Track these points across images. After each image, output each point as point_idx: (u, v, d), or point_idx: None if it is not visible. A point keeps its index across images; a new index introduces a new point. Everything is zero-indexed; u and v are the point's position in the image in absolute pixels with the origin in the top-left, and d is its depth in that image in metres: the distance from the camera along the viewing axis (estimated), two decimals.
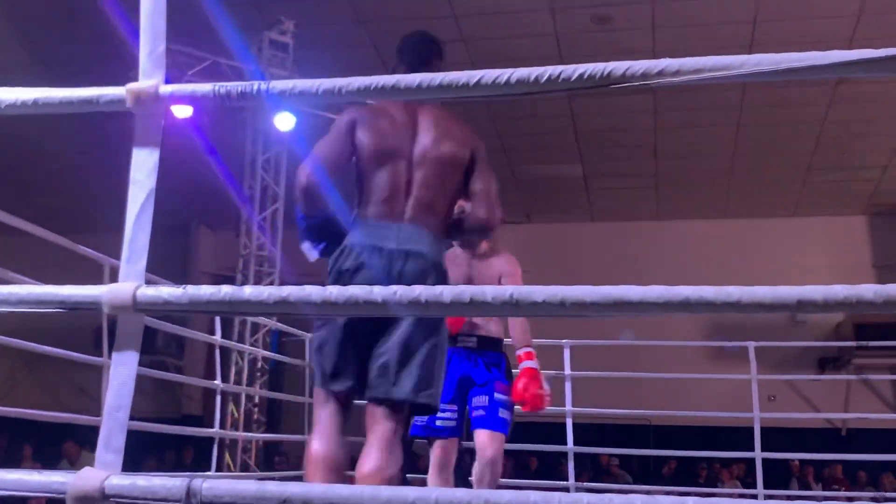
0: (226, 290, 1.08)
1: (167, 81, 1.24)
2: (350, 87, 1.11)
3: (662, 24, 8.10)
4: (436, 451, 3.63)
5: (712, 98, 9.36)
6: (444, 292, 1.03)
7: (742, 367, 6.19)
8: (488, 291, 1.04)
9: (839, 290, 0.90)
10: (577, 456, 5.64)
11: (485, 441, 3.60)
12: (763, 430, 5.46)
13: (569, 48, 8.56)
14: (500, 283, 3.74)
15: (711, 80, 0.94)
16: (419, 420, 3.57)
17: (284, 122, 7.97)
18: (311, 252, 2.54)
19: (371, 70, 6.59)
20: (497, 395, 3.69)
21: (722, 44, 8.26)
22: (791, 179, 11.29)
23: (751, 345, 5.35)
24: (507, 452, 3.80)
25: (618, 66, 0.96)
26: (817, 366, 11.30)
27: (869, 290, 0.89)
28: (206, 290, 1.09)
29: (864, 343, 9.22)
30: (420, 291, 1.04)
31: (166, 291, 1.10)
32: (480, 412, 3.66)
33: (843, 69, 0.94)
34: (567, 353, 5.67)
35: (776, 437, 7.40)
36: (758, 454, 5.27)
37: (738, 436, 6.63)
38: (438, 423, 3.63)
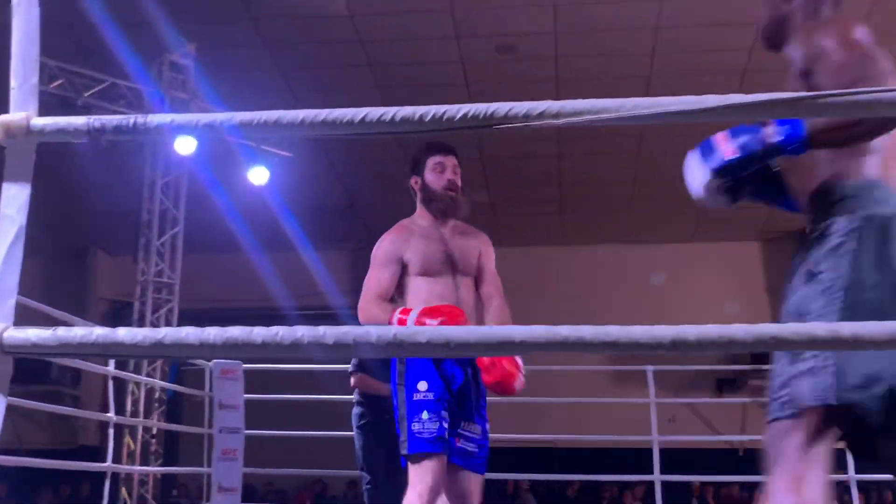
0: (98, 333, 1.04)
1: (63, 103, 1.19)
2: (231, 121, 1.09)
3: (565, 54, 8.28)
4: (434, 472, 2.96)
5: (615, 127, 9.57)
6: (327, 333, 1.01)
7: (644, 390, 6.31)
8: (373, 332, 1.02)
9: (713, 330, 0.92)
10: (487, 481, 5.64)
11: (473, 489, 3.10)
12: (664, 451, 5.56)
13: (475, 76, 8.67)
14: (479, 260, 3.36)
15: (589, 122, 0.96)
16: (426, 431, 2.97)
17: (185, 145, 7.82)
18: None
19: (274, 94, 6.51)
20: (488, 426, 3.18)
21: (622, 74, 8.49)
22: (689, 206, 11.58)
23: (649, 369, 5.46)
24: None
25: (500, 107, 0.96)
26: (716, 388, 11.62)
27: (740, 330, 0.91)
28: (76, 332, 1.05)
29: (758, 366, 9.50)
30: (302, 332, 1.02)
31: (34, 333, 1.05)
32: (471, 447, 3.10)
33: (716, 114, 0.96)
34: None
35: (677, 458, 7.57)
36: (657, 476, 5.37)
37: (641, 457, 6.75)
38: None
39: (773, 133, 1.78)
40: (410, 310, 3.05)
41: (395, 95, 8.83)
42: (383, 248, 3.22)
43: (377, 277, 3.17)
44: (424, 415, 2.99)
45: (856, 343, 0.91)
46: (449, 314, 2.99)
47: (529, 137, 9.83)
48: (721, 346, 0.93)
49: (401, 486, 3.36)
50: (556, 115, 0.95)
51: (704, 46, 8.05)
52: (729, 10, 7.51)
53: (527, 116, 0.96)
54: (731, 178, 1.99)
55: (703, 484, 9.92)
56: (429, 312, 3.00)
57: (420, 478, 2.95)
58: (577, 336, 0.91)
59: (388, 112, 0.99)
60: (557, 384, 9.62)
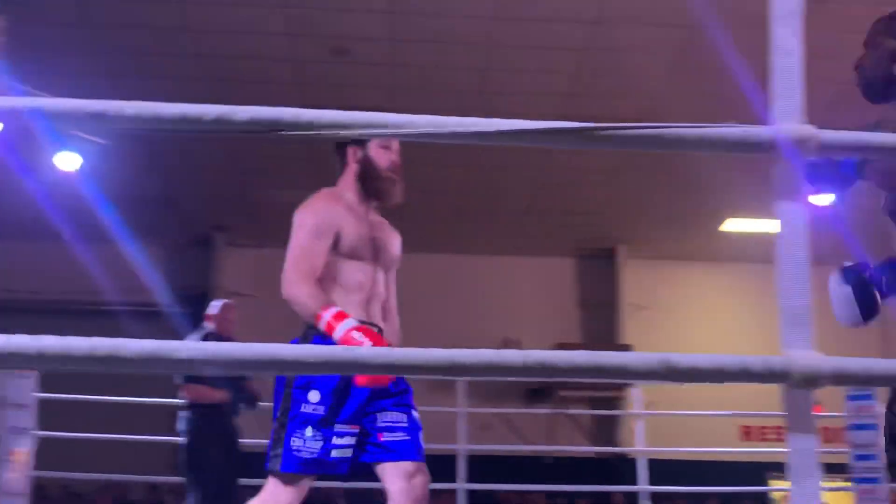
0: None
1: None
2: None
3: (401, 63, 8.30)
4: (296, 495, 2.65)
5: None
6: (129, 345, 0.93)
7: (459, 399, 6.38)
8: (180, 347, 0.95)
9: (488, 355, 0.91)
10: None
11: (410, 472, 2.66)
12: (475, 458, 5.64)
13: (306, 76, 8.55)
14: (395, 257, 3.05)
15: (376, 135, 0.93)
16: (306, 450, 2.61)
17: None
18: None
19: (91, 76, 6.15)
20: (415, 413, 2.80)
21: (455, 88, 8.61)
22: (510, 220, 11.94)
23: (461, 378, 5.54)
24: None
25: (285, 113, 0.92)
26: (526, 397, 11.96)
27: (518, 356, 0.91)
28: None
29: (566, 378, 9.84)
30: (94, 344, 0.94)
31: None
32: (399, 435, 2.71)
33: (501, 138, 0.96)
34: None
35: (487, 466, 7.73)
36: (460, 485, 5.44)
37: (449, 465, 6.83)
38: (335, 453, 2.64)
39: None
40: (345, 314, 2.65)
41: (221, 88, 8.56)
42: (321, 214, 2.82)
43: (311, 249, 2.76)
44: (308, 431, 2.62)
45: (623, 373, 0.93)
46: (376, 342, 2.61)
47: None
48: (498, 370, 0.92)
49: (230, 497, 3.20)
50: (344, 126, 0.92)
51: (533, 66, 8.28)
52: (559, 36, 7.78)
53: (311, 125, 0.92)
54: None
55: (509, 492, 10.17)
56: (362, 330, 2.63)
57: (275, 497, 2.61)
58: (352, 357, 0.88)
59: (167, 108, 0.93)
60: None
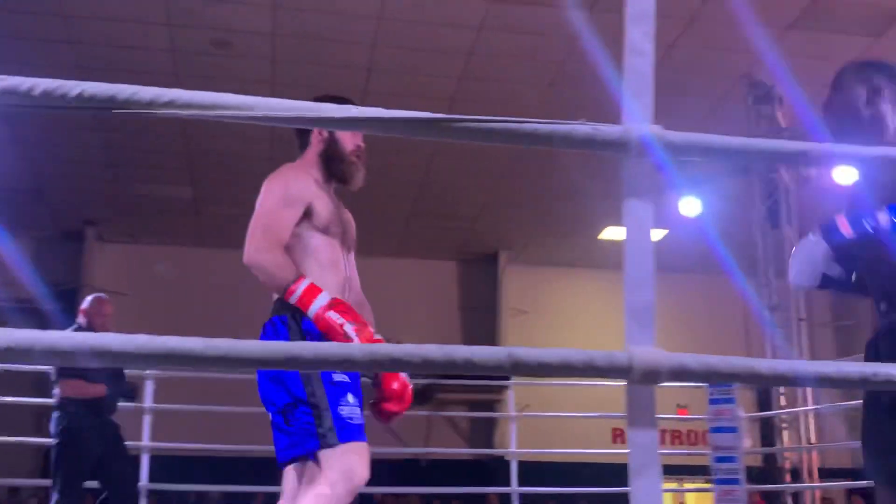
0: None
1: None
2: None
3: (283, 59, 8.18)
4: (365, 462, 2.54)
5: None
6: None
7: None
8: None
9: (332, 348, 0.89)
10: (160, 492, 5.38)
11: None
12: None
13: (186, 67, 8.32)
14: (353, 239, 2.92)
15: (224, 117, 0.90)
16: (356, 417, 2.49)
17: None
18: None
19: None
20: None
21: (339, 86, 8.52)
22: (394, 223, 11.93)
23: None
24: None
25: (122, 90, 0.87)
26: None
27: (363, 350, 0.89)
28: None
29: (444, 381, 9.90)
30: None
31: None
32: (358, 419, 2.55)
33: (352, 124, 0.94)
34: (150, 386, 5.39)
35: None
36: None
37: None
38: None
39: (886, 220, 2.10)
40: (318, 288, 2.49)
41: (98, 77, 8.17)
42: (291, 183, 2.65)
43: (281, 215, 2.56)
44: (350, 398, 2.49)
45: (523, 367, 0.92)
46: (361, 325, 2.50)
47: (240, 136, 9.60)
48: (337, 364, 0.90)
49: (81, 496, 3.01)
50: (186, 106, 0.88)
51: (419, 69, 8.30)
52: (444, 37, 7.82)
53: (151, 104, 0.88)
54: (845, 252, 2.27)
55: (385, 495, 10.14)
56: (340, 308, 2.49)
57: (349, 471, 2.43)
58: (185, 347, 0.84)
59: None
60: (250, 392, 9.44)
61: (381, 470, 9.09)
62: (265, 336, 2.59)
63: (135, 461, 5.17)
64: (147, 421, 5.34)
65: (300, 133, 2.89)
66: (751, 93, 8.20)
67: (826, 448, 9.67)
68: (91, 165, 10.21)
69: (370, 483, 6.48)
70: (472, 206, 11.44)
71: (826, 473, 8.98)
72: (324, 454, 2.44)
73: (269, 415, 2.57)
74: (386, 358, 0.91)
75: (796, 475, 8.04)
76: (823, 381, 1.02)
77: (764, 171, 8.25)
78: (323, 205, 2.68)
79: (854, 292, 2.52)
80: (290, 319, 2.56)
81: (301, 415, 2.46)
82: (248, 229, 2.58)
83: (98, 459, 4.78)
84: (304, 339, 2.52)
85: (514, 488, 5.69)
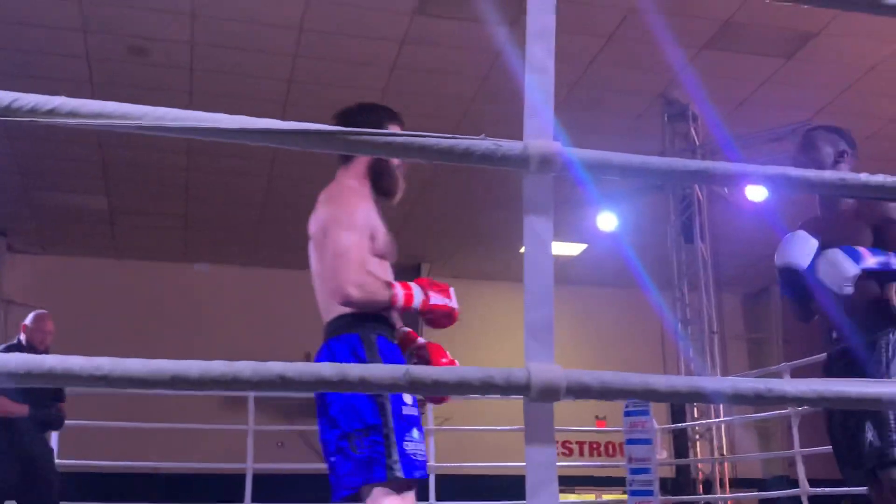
0: None
1: None
2: None
3: (202, 68, 8.05)
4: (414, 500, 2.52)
5: (247, 148, 9.47)
6: None
7: (255, 416, 6.20)
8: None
9: (219, 367, 0.86)
10: None
11: None
12: (270, 477, 5.48)
13: (102, 74, 8.12)
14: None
15: (111, 126, 0.86)
16: (419, 453, 2.48)
17: None
18: None
19: None
20: None
21: (258, 97, 8.43)
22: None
23: (250, 395, 5.39)
24: None
25: (2, 98, 0.83)
26: None
27: (247, 368, 0.87)
28: None
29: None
30: None
31: None
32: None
33: (242, 135, 0.91)
34: None
35: (283, 483, 7.56)
36: None
37: (240, 485, 6.63)
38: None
39: (874, 262, 2.76)
40: (405, 283, 2.60)
41: (10, 85, 7.93)
42: (363, 211, 2.64)
43: (362, 247, 2.58)
44: (415, 433, 2.48)
45: (363, 385, 0.91)
46: (444, 288, 2.67)
47: (156, 146, 9.41)
48: (223, 384, 0.87)
49: None
50: (70, 115, 0.85)
51: (341, 82, 8.25)
52: (366, 50, 7.80)
53: (34, 111, 0.84)
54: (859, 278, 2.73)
55: None
56: (432, 286, 2.66)
57: None
58: (64, 367, 0.80)
59: None
60: (165, 408, 9.23)
61: (301, 484, 8.98)
62: (338, 356, 2.55)
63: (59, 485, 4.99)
64: (55, 437, 5.17)
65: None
66: (666, 111, 8.39)
67: (738, 459, 9.90)
68: (0, 174, 9.87)
69: (288, 499, 6.36)
70: (392, 219, 11.35)
71: (737, 484, 9.20)
72: (382, 489, 2.43)
73: (333, 439, 2.53)
74: (277, 377, 0.88)
75: (709, 486, 8.21)
76: (720, 397, 1.04)
77: (679, 187, 8.44)
78: (382, 229, 2.69)
79: (809, 315, 3.12)
80: (364, 337, 2.59)
81: (371, 442, 2.44)
82: (335, 267, 2.55)
83: (13, 482, 4.61)
84: (377, 354, 2.56)
85: (433, 503, 5.67)
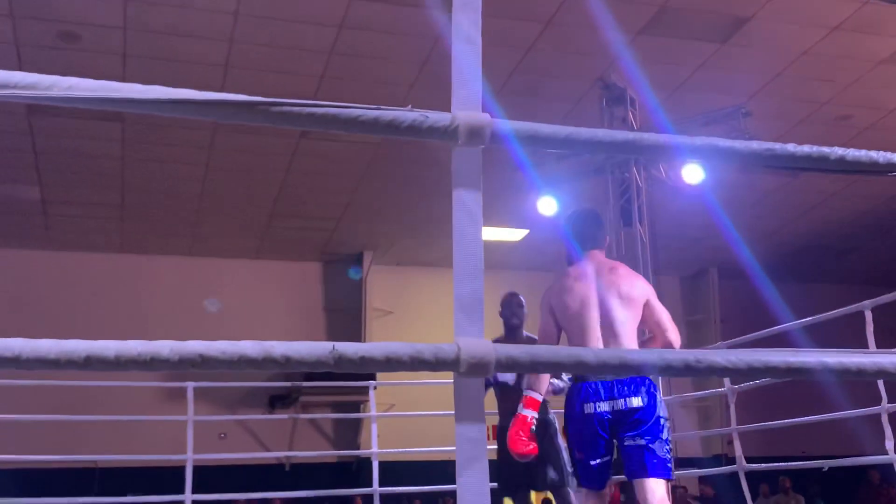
0: None
1: None
2: None
3: (135, 54, 7.87)
4: None
5: (183, 136, 9.32)
6: None
7: (196, 407, 6.10)
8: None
9: (133, 346, 0.83)
10: None
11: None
12: (212, 468, 5.40)
13: (30, 60, 7.88)
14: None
15: (18, 98, 0.82)
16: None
17: None
18: None
19: None
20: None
21: (193, 83, 8.22)
22: (255, 224, 11.68)
23: (189, 385, 5.30)
24: None
25: None
26: (269, 404, 11.73)
27: (165, 347, 0.84)
28: None
29: (298, 384, 9.77)
30: None
31: None
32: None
33: (157, 106, 0.88)
34: None
35: (224, 475, 7.48)
36: (188, 496, 5.21)
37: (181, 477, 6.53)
38: None
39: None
40: None
41: None
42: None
43: None
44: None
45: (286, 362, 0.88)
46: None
47: (90, 135, 9.19)
48: (143, 364, 0.84)
49: None
50: None
51: (278, 67, 8.14)
52: (304, 34, 7.70)
53: None
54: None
55: (248, 500, 9.91)
56: None
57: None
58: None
59: None
60: (103, 400, 9.05)
61: (246, 475, 8.90)
62: (654, 391, 3.37)
63: None
64: None
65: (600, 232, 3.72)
66: (605, 95, 8.44)
67: (677, 438, 10.06)
68: None
69: (230, 489, 6.28)
70: (335, 207, 11.33)
71: (678, 463, 9.32)
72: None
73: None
74: (197, 356, 0.85)
75: None
76: (649, 368, 1.03)
77: (617, 170, 8.51)
78: None
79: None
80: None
81: (661, 443, 3.26)
82: (669, 323, 3.47)
83: None
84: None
85: (376, 488, 5.65)
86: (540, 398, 3.45)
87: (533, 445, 3.40)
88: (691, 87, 8.67)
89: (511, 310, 4.78)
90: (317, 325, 12.33)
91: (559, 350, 0.98)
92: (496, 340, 4.48)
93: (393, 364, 0.93)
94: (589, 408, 3.22)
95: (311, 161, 9.99)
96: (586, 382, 3.28)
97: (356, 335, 12.38)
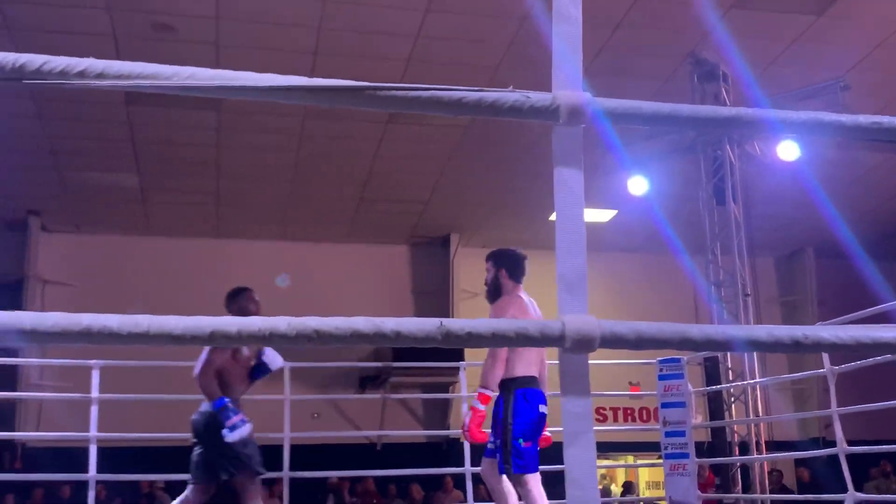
0: None
1: None
2: None
3: (227, 44, 8.05)
4: None
5: (275, 123, 9.50)
6: None
7: (291, 388, 6.24)
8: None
9: (256, 323, 0.87)
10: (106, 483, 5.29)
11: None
12: (305, 447, 5.54)
13: (127, 52, 8.15)
14: None
15: (135, 87, 0.87)
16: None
17: None
18: None
19: None
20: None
21: (282, 70, 8.33)
22: (345, 208, 11.85)
23: (287, 365, 5.43)
24: None
25: (33, 60, 0.84)
26: (359, 384, 11.93)
27: (283, 322, 0.87)
28: None
29: (389, 365, 9.88)
30: None
31: None
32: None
33: (274, 94, 0.91)
34: (96, 375, 5.30)
35: (317, 453, 7.64)
36: (286, 473, 5.36)
37: (277, 455, 6.70)
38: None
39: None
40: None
41: None
42: None
43: None
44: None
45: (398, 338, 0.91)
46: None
47: (186, 124, 9.46)
48: (262, 339, 0.88)
49: None
50: (100, 76, 0.85)
51: (365, 52, 8.22)
52: (391, 19, 7.76)
53: (64, 73, 0.85)
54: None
55: (341, 478, 10.12)
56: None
57: None
58: (101, 325, 0.81)
59: None
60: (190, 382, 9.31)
61: (338, 454, 9.05)
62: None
63: None
64: (94, 411, 5.25)
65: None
66: (696, 71, 8.27)
67: (772, 420, 9.85)
68: (33, 155, 9.98)
69: (323, 468, 6.43)
70: (422, 190, 11.40)
71: (773, 446, 9.15)
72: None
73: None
74: (312, 331, 0.89)
75: (745, 448, 8.18)
76: (755, 345, 1.03)
77: (709, 148, 8.34)
78: None
79: None
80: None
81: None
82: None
83: None
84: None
85: (468, 468, 5.70)
86: (491, 395, 4.06)
87: (483, 434, 4.11)
88: (786, 61, 8.42)
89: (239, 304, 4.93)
90: (405, 308, 12.46)
91: (664, 326, 0.98)
92: None
93: (499, 340, 0.95)
94: (543, 409, 4.05)
95: (398, 145, 10.07)
96: (537, 389, 4.10)
97: (444, 317, 12.43)
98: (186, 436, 4.82)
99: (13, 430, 10.19)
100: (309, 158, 10.30)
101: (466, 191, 11.42)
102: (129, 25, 7.79)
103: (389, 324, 0.91)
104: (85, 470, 5.16)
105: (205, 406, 4.54)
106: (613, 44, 8.11)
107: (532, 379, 4.09)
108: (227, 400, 4.42)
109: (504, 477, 4.03)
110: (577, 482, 0.92)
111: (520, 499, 4.06)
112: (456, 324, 0.93)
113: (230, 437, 4.29)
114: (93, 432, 5.18)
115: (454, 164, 10.56)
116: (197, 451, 4.48)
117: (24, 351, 7.51)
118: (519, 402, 4.00)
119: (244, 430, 4.35)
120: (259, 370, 4.70)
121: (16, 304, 11.00)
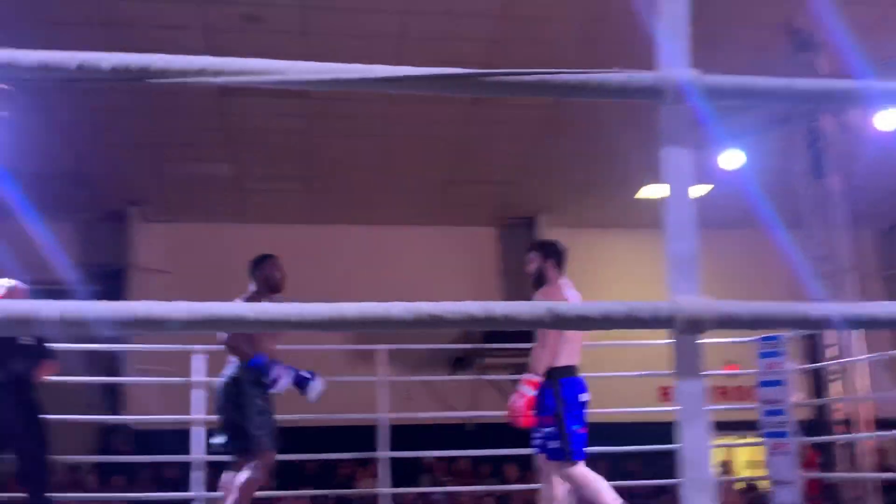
0: None
1: None
2: None
3: (314, 31, 8.16)
4: None
5: (361, 109, 9.60)
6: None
7: (381, 369, 6.35)
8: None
9: (374, 308, 0.89)
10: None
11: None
12: (399, 427, 5.62)
13: (217, 44, 8.34)
14: None
15: (252, 83, 0.89)
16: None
17: None
18: None
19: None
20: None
21: (368, 56, 8.44)
22: (432, 191, 11.91)
23: (382, 348, 5.52)
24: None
25: (155, 60, 0.88)
26: (451, 365, 12.01)
27: (399, 307, 0.89)
28: None
29: (480, 346, 9.89)
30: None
31: None
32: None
33: (383, 84, 0.93)
34: (198, 360, 5.47)
35: (411, 433, 7.74)
36: (382, 454, 5.45)
37: (373, 435, 6.82)
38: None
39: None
40: None
41: None
42: None
43: None
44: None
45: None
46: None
47: (275, 112, 9.63)
48: (382, 324, 0.90)
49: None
50: (217, 73, 0.88)
51: (450, 35, 8.23)
52: (475, 3, 7.75)
53: (184, 72, 0.88)
54: None
55: (438, 459, 10.23)
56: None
57: None
58: (283, 314, 0.85)
59: (25, 56, 0.87)
60: (302, 364, 9.51)
61: (429, 436, 9.16)
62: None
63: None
64: (199, 395, 5.43)
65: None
66: (791, 40, 8.02)
67: (876, 398, 9.55)
68: (131, 147, 10.32)
69: (417, 449, 6.51)
70: (507, 171, 11.38)
71: (879, 424, 8.86)
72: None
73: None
74: (427, 315, 0.91)
75: (849, 426, 7.96)
76: (879, 322, 1.00)
77: (805, 120, 8.09)
78: None
79: None
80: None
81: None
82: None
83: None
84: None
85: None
86: (537, 379, 4.27)
87: (531, 418, 4.36)
88: (887, 27, 8.09)
89: (264, 271, 4.82)
90: (494, 291, 12.47)
91: (777, 307, 0.97)
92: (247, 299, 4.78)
93: (608, 322, 0.95)
94: (586, 396, 4.31)
95: (482, 128, 10.07)
96: (580, 378, 4.35)
97: (527, 299, 12.40)
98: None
99: (120, 415, 10.60)
100: (395, 141, 10.38)
101: (552, 171, 11.34)
102: (218, 17, 7.97)
103: (500, 308, 0.92)
104: (188, 452, 5.34)
105: (230, 369, 4.53)
106: (706, 12, 7.92)
107: (574, 368, 4.32)
108: (264, 356, 4.49)
109: (580, 463, 4.22)
110: (693, 463, 0.92)
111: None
112: (564, 307, 0.93)
113: (277, 388, 4.44)
114: (198, 415, 5.35)
115: (539, 144, 10.50)
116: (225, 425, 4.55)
117: (126, 338, 7.79)
118: (566, 390, 4.23)
119: (287, 380, 4.45)
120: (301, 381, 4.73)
121: (118, 292, 11.43)
